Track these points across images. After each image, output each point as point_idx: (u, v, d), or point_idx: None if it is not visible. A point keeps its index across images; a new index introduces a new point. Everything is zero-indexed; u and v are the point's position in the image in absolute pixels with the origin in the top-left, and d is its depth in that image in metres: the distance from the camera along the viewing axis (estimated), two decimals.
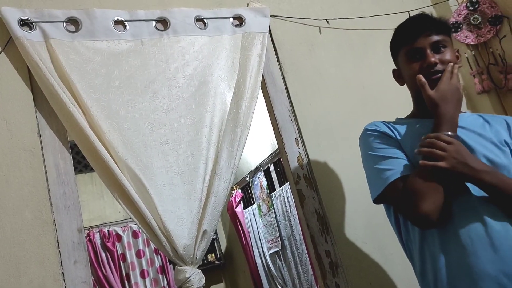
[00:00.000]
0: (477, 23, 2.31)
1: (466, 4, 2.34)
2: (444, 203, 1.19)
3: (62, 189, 1.55)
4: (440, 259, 1.21)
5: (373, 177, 1.34)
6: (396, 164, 1.28)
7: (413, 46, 1.35)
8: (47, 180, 1.53)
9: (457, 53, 1.41)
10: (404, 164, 1.28)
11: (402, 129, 1.38)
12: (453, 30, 2.34)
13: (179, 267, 1.58)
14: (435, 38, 1.34)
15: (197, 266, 1.61)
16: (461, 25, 2.34)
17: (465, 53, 2.35)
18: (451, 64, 1.31)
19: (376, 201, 1.33)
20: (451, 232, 1.21)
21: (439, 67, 1.32)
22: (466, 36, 2.33)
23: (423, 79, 1.30)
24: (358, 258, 1.86)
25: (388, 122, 1.43)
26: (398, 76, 1.49)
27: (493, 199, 1.20)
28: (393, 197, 1.28)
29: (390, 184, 1.26)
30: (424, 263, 1.26)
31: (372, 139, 1.38)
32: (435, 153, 1.18)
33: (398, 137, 1.36)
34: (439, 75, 1.31)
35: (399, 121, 1.45)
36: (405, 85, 1.46)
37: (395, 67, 1.50)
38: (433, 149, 1.18)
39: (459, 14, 2.35)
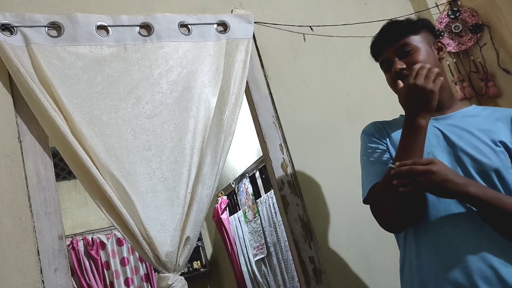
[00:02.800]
0: (458, 31, 2.35)
1: (448, 12, 2.38)
2: (418, 206, 1.24)
3: (42, 195, 1.52)
4: (415, 262, 1.26)
5: (363, 179, 1.39)
6: (379, 170, 1.32)
7: (382, 59, 1.40)
8: (27, 186, 1.51)
9: (439, 44, 1.39)
10: (385, 170, 1.30)
11: (395, 127, 1.41)
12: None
13: (161, 274, 1.57)
14: (397, 44, 1.36)
15: (180, 273, 1.60)
16: (442, 33, 2.38)
17: (446, 60, 2.38)
18: (414, 67, 1.25)
19: (365, 202, 1.37)
20: (426, 238, 1.24)
21: (407, 71, 1.30)
22: (447, 44, 2.36)
23: (399, 85, 1.29)
24: (342, 265, 1.86)
25: (386, 122, 1.46)
26: None
27: (481, 212, 1.18)
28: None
29: (371, 189, 1.32)
30: (404, 263, 1.33)
31: (364, 141, 1.44)
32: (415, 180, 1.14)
33: (388, 137, 1.39)
34: None
35: (397, 119, 1.45)
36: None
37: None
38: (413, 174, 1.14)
39: (441, 22, 2.39)
